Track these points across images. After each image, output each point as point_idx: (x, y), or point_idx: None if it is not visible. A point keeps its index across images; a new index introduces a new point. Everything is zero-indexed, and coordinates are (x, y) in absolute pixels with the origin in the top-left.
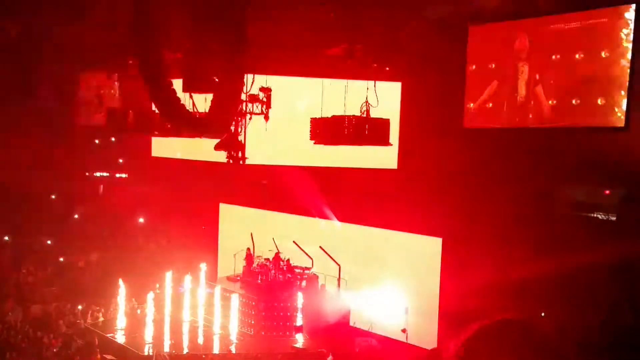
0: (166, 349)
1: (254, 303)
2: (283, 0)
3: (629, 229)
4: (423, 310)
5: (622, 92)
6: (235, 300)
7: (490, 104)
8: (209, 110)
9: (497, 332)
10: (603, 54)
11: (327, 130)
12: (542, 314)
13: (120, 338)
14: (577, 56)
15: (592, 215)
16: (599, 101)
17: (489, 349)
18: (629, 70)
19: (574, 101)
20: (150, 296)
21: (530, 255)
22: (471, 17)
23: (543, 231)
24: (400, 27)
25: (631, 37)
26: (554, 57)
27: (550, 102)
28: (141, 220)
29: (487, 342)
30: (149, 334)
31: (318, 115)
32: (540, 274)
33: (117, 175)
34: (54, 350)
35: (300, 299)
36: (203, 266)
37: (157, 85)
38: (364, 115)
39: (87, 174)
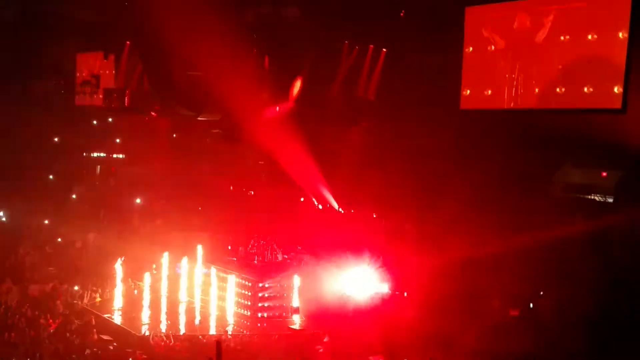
0: (163, 329)
1: (250, 284)
2: None
3: (623, 209)
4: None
5: (620, 74)
6: (231, 281)
7: (489, 88)
8: (206, 91)
9: None
10: (605, 35)
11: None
12: (541, 293)
13: (117, 318)
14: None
15: (588, 196)
16: (601, 84)
17: None
18: (626, 52)
19: (574, 84)
20: (147, 277)
21: (523, 235)
22: None
23: (536, 212)
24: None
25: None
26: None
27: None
28: (138, 201)
29: None
30: (145, 314)
31: None
32: (534, 253)
33: (115, 156)
34: (51, 330)
35: (296, 280)
36: (199, 247)
37: (155, 66)
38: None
39: (84, 154)
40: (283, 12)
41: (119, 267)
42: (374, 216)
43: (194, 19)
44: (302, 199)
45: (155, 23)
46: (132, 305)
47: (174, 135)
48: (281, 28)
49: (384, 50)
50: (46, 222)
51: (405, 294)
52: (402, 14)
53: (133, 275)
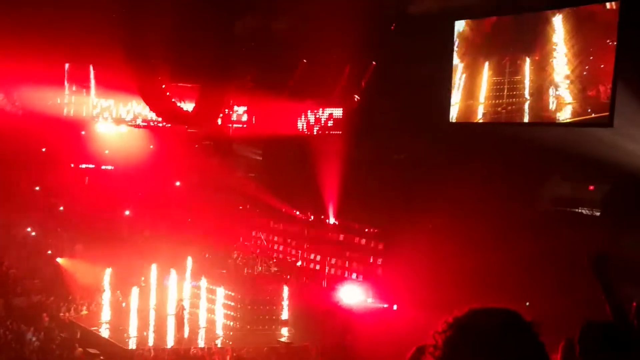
0: (150, 342)
1: (239, 296)
2: None
3: (612, 222)
4: None
5: (608, 88)
6: (220, 293)
7: (479, 101)
8: (196, 103)
9: (490, 318)
10: (593, 49)
11: None
12: (527, 304)
13: (104, 332)
14: (566, 50)
15: (576, 210)
16: (584, 97)
17: (473, 337)
18: (613, 67)
19: (560, 96)
20: (135, 289)
21: (513, 249)
22: (457, 12)
23: (525, 224)
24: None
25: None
26: (542, 52)
27: (547, 102)
28: (127, 212)
29: (478, 327)
30: (133, 327)
31: None
32: (522, 266)
33: (103, 167)
34: (37, 343)
35: (285, 292)
36: (189, 259)
37: (145, 79)
38: None
39: (72, 165)
40: (272, 25)
41: (106, 279)
42: (363, 228)
43: (183, 30)
44: (295, 211)
45: (146, 34)
46: (119, 318)
47: (151, 147)
48: (270, 41)
49: (374, 63)
50: (33, 233)
51: (395, 307)
52: (392, 27)
53: (121, 289)
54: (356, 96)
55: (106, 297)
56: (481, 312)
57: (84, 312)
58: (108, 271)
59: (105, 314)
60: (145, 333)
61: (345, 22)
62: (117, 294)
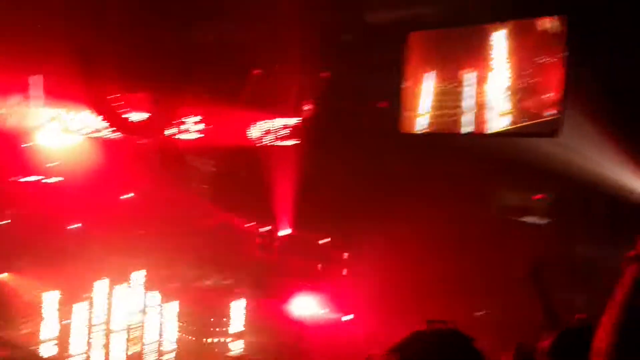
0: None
1: (192, 310)
2: None
3: (558, 231)
4: None
5: (554, 99)
6: (173, 307)
7: (421, 110)
8: (147, 113)
9: (431, 339)
10: (539, 61)
11: None
12: (484, 312)
13: (47, 350)
14: (513, 62)
15: (522, 219)
16: (531, 108)
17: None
18: (562, 78)
19: (508, 107)
20: (82, 305)
21: (462, 258)
22: (411, 23)
23: (475, 234)
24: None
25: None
26: (492, 63)
27: (495, 114)
28: (75, 226)
29: (420, 349)
30: (80, 345)
31: None
32: (472, 276)
33: (50, 179)
34: None
35: (239, 304)
36: (142, 272)
37: (94, 88)
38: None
39: (17, 177)
40: (225, 34)
41: (52, 295)
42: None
43: (135, 38)
44: (246, 224)
45: (97, 42)
46: (63, 337)
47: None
48: (223, 50)
49: (328, 73)
50: None
51: (351, 317)
52: (346, 37)
53: (67, 304)
54: (309, 106)
55: (51, 314)
56: (421, 333)
57: (26, 330)
58: (54, 287)
59: (49, 332)
60: (92, 351)
61: (299, 32)
62: (63, 310)
